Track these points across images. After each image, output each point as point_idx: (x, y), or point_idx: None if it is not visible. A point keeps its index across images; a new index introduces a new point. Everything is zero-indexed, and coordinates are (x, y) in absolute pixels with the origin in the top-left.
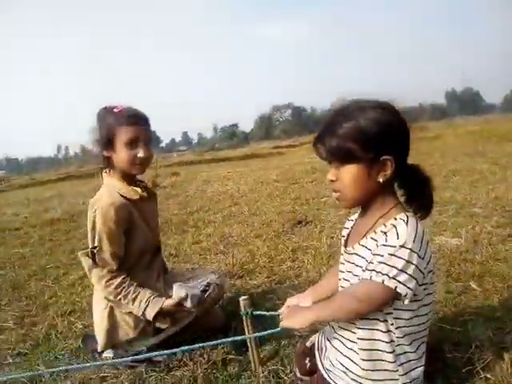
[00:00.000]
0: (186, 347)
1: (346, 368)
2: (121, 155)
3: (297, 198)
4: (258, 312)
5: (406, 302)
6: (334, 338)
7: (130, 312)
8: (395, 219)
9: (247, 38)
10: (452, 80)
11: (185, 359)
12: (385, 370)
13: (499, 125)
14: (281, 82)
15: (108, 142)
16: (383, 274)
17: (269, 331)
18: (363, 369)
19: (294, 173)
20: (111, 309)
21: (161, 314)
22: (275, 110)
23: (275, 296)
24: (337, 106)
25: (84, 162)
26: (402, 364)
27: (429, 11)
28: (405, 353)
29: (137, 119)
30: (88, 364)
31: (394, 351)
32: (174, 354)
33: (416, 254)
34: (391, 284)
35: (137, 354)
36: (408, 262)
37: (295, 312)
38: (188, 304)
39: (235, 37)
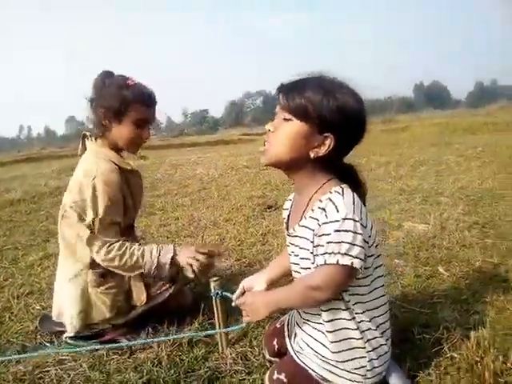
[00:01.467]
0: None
1: (315, 351)
2: (125, 132)
3: (267, 184)
4: (228, 294)
5: (360, 275)
6: (302, 321)
7: (108, 291)
8: (330, 192)
9: (227, 25)
10: (419, 74)
11: (149, 341)
12: (353, 348)
13: (464, 118)
14: (255, 70)
15: (116, 114)
16: (336, 254)
17: (234, 327)
18: (332, 351)
19: None
20: (85, 290)
21: (173, 263)
22: (247, 96)
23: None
24: (316, 74)
25: (47, 143)
26: (369, 340)
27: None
28: (369, 329)
29: (152, 101)
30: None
31: (358, 328)
32: (143, 326)
33: (359, 224)
34: (346, 261)
35: (99, 334)
36: (355, 233)
37: (256, 303)
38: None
39: (214, 23)
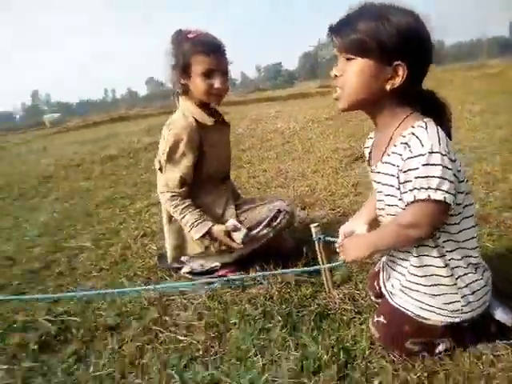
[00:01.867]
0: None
1: (407, 288)
2: (196, 84)
3: (352, 136)
4: (330, 238)
5: (451, 211)
6: (392, 261)
7: None
8: (413, 127)
9: None
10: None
11: (258, 278)
12: (443, 284)
13: None
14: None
15: (184, 70)
16: (426, 189)
17: (337, 263)
18: (422, 289)
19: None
20: (179, 225)
21: (210, 238)
22: (321, 47)
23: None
24: (363, 4)
25: (132, 104)
26: (460, 277)
27: None
28: (459, 267)
29: (214, 48)
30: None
31: (446, 265)
32: (251, 264)
33: (447, 157)
34: (439, 196)
35: (211, 271)
36: (444, 166)
37: (352, 244)
38: (238, 236)
39: None
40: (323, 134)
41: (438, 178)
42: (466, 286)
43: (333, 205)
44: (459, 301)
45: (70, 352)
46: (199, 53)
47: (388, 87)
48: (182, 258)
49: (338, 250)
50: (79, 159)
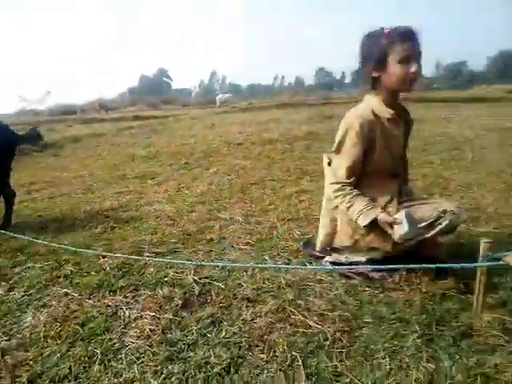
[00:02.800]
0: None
1: None
2: (393, 72)
3: None
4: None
5: None
6: None
7: (350, 221)
8: None
9: None
10: None
11: (401, 283)
12: None
13: None
14: None
15: (379, 62)
16: None
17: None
18: None
19: None
20: (334, 215)
21: (374, 226)
22: None
23: (506, 248)
24: None
25: (295, 92)
26: None
27: None
28: None
29: (409, 35)
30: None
31: None
32: (393, 270)
33: None
34: None
35: (354, 264)
36: None
37: None
38: (397, 232)
39: None
40: (502, 144)
41: None
42: None
43: (499, 223)
44: None
45: (207, 314)
46: (395, 41)
47: None
48: (328, 248)
49: None
50: (242, 139)
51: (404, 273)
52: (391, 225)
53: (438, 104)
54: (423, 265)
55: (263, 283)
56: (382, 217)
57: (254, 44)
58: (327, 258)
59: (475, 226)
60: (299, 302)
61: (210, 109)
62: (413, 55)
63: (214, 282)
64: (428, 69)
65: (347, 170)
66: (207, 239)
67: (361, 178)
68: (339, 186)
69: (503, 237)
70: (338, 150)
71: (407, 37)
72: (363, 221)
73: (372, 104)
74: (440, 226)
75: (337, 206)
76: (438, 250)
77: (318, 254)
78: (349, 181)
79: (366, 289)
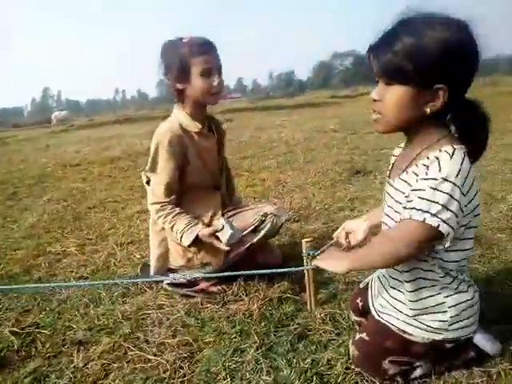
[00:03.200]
0: (245, 272)
1: (395, 307)
2: (196, 85)
3: (355, 148)
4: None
5: (447, 244)
6: (384, 281)
7: None
8: (440, 151)
9: None
10: None
11: (240, 294)
12: (433, 305)
13: None
14: (344, 29)
15: (182, 74)
16: (424, 211)
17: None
18: (411, 307)
19: (353, 123)
20: (163, 236)
21: (200, 243)
22: (335, 57)
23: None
24: (403, 15)
25: (141, 105)
26: (450, 296)
27: None
28: (448, 287)
29: (210, 47)
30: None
31: (440, 282)
32: (234, 279)
33: (459, 189)
34: (433, 222)
35: (193, 283)
36: (451, 196)
37: (334, 255)
38: (223, 237)
39: None
40: (327, 145)
41: (441, 205)
42: (455, 306)
43: (327, 218)
44: (446, 320)
45: (29, 370)
46: (196, 53)
47: (428, 110)
48: (163, 270)
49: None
50: (79, 159)
51: (241, 282)
52: (215, 236)
53: (273, 111)
54: (243, 272)
55: (97, 320)
56: (203, 232)
57: (92, 56)
58: (166, 281)
59: (307, 224)
60: (137, 334)
61: (45, 128)
62: (214, 68)
63: (40, 330)
64: (263, 78)
65: (165, 188)
66: (34, 279)
67: (181, 194)
68: (159, 205)
69: (329, 231)
70: (152, 168)
71: (207, 49)
72: (186, 241)
73: (179, 118)
74: (263, 231)
75: (163, 227)
76: (272, 254)
77: (157, 277)
78: (168, 199)
79: (208, 305)
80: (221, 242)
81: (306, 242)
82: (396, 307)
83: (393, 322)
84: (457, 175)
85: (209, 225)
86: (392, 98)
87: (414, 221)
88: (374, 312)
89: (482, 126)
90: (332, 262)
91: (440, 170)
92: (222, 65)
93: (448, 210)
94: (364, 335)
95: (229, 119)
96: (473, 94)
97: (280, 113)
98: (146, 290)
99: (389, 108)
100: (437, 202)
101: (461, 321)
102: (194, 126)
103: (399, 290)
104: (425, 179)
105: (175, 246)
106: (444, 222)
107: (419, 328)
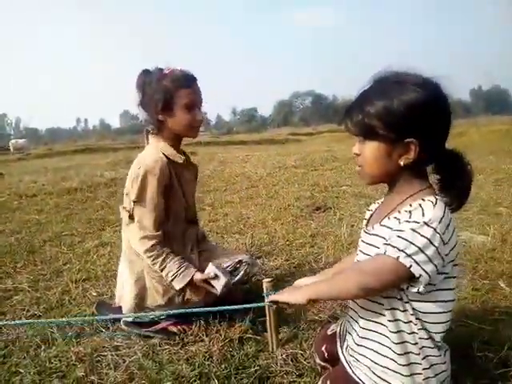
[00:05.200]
0: (206, 308)
1: (372, 361)
2: (179, 119)
3: (315, 185)
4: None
5: (421, 289)
6: (360, 331)
7: (160, 278)
8: (423, 200)
9: (271, 25)
10: (477, 78)
11: (200, 334)
12: (412, 363)
13: None
14: (304, 70)
15: (165, 106)
16: (400, 250)
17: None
18: (397, 363)
19: (313, 160)
20: (141, 274)
21: (190, 285)
22: (295, 96)
23: (294, 279)
24: (376, 76)
25: (102, 136)
26: (426, 357)
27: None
28: (427, 347)
29: (193, 81)
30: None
31: (416, 343)
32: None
33: (439, 236)
34: (406, 262)
35: (153, 322)
36: (430, 241)
37: (290, 289)
38: (218, 285)
39: (257, 23)
40: (288, 180)
41: (418, 248)
42: (430, 367)
43: (289, 254)
44: (421, 383)
45: None
46: (181, 87)
47: (402, 163)
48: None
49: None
50: (36, 189)
51: (202, 322)
52: (207, 282)
53: (236, 146)
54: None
55: (49, 363)
56: (197, 278)
57: (53, 83)
58: (124, 319)
59: (269, 260)
60: (92, 378)
61: (1, 156)
62: (198, 101)
63: None
64: (226, 115)
65: (154, 220)
66: None
67: (165, 225)
68: (150, 245)
69: (291, 268)
70: (140, 199)
71: (191, 82)
72: (177, 285)
73: (162, 148)
74: (238, 276)
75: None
76: (234, 294)
77: (115, 316)
78: (157, 234)
79: (166, 347)
80: (213, 287)
81: (267, 282)
82: (373, 359)
83: (360, 377)
84: (439, 222)
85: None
86: (367, 152)
87: (388, 257)
88: (345, 364)
89: (463, 176)
90: (290, 295)
91: (423, 215)
92: (202, 99)
93: (423, 253)
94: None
95: (193, 152)
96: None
97: (243, 148)
98: (101, 330)
99: (366, 161)
100: (414, 244)
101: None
102: (178, 158)
103: (381, 344)
104: (407, 221)
105: (155, 285)
106: (417, 263)
107: None
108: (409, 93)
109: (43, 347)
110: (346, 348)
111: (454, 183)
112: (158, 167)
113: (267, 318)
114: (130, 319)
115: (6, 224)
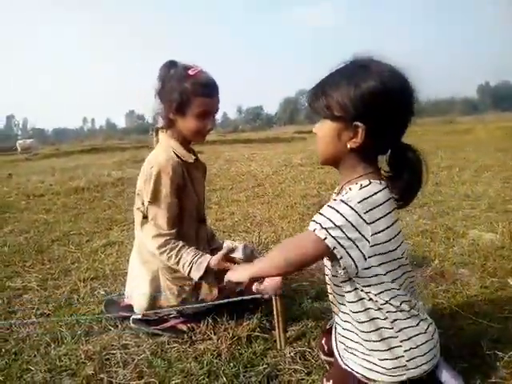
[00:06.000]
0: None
1: (353, 348)
2: (190, 124)
3: (322, 183)
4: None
5: (354, 269)
6: (339, 320)
7: (176, 279)
8: (356, 184)
9: (273, 24)
10: (485, 73)
11: (208, 332)
12: (386, 338)
13: None
14: (308, 68)
15: (179, 108)
16: (317, 223)
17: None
18: (365, 345)
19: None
20: (156, 273)
21: (209, 272)
22: (301, 94)
23: (302, 277)
24: (350, 59)
25: (109, 135)
26: (401, 330)
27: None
28: (397, 320)
29: (213, 90)
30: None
31: (386, 318)
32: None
33: (357, 215)
34: (321, 234)
35: (162, 320)
36: (342, 215)
37: (239, 267)
38: (239, 254)
39: (261, 23)
40: (295, 179)
41: (332, 222)
42: (409, 339)
43: None
44: (403, 355)
45: None
46: (198, 94)
47: (349, 146)
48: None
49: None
50: (43, 189)
51: (210, 320)
52: (226, 258)
53: (242, 145)
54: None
55: (59, 361)
56: (214, 259)
57: (56, 83)
58: (133, 316)
59: None
60: (101, 376)
61: (9, 156)
62: (212, 111)
63: None
64: (231, 113)
65: (168, 219)
66: None
67: (176, 226)
68: (162, 241)
69: None
70: (154, 199)
71: (210, 91)
72: (196, 274)
73: (173, 147)
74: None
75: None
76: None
77: (123, 314)
78: (172, 231)
79: (175, 345)
80: (233, 263)
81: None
82: (356, 351)
83: (356, 369)
84: (359, 201)
85: None
86: (321, 131)
87: (307, 230)
88: (337, 356)
89: (412, 170)
90: (236, 273)
91: (343, 195)
92: (219, 107)
93: (339, 228)
94: (331, 383)
95: (199, 151)
96: (432, 132)
97: (249, 146)
98: (110, 329)
99: (319, 139)
100: (329, 219)
101: (420, 355)
102: (189, 157)
103: (350, 330)
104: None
105: (170, 285)
106: (332, 236)
107: (379, 372)
108: (368, 79)
109: (53, 345)
110: (336, 340)
111: (401, 175)
112: (171, 166)
113: (275, 316)
114: (138, 317)
115: (14, 224)
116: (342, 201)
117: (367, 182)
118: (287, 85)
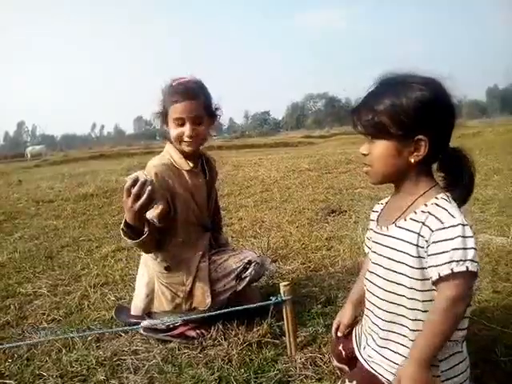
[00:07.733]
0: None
1: (391, 361)
2: (171, 133)
3: (330, 188)
4: None
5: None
6: (379, 334)
7: (169, 285)
8: (436, 198)
9: (284, 28)
10: (494, 75)
11: (219, 338)
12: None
13: None
14: (317, 73)
15: (163, 118)
16: (464, 261)
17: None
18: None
19: (327, 162)
20: (152, 278)
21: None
22: (308, 98)
23: (311, 283)
24: (382, 78)
25: (117, 142)
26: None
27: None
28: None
29: (183, 96)
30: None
31: None
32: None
33: (470, 229)
34: (474, 268)
35: (171, 328)
36: (473, 238)
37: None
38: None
39: (271, 26)
40: (302, 184)
41: (473, 249)
42: (446, 359)
43: (305, 258)
44: (438, 376)
45: None
46: (173, 101)
47: (412, 160)
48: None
49: None
50: (53, 195)
51: (220, 326)
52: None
53: (249, 150)
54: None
55: (70, 367)
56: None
57: (67, 91)
58: (142, 324)
59: (285, 264)
60: (112, 382)
61: (18, 163)
62: (187, 118)
63: (5, 380)
64: (238, 118)
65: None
66: (2, 323)
67: (173, 234)
68: None
69: (307, 271)
70: None
71: (184, 99)
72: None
73: (171, 154)
74: (247, 278)
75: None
76: (253, 297)
77: (133, 320)
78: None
79: (185, 351)
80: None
81: (284, 285)
82: (388, 359)
83: (384, 375)
84: (464, 217)
85: (197, 269)
86: (377, 151)
87: (459, 273)
88: (362, 361)
89: (467, 172)
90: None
91: (454, 217)
92: (200, 114)
93: (475, 250)
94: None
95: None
96: None
97: (256, 151)
98: (121, 335)
99: (376, 161)
100: (471, 248)
101: (455, 376)
102: (185, 165)
103: (402, 344)
104: (444, 228)
105: (163, 290)
106: (477, 263)
107: None
108: (415, 91)
109: (64, 351)
110: (364, 348)
111: (458, 180)
112: (154, 171)
113: (285, 321)
114: (148, 325)
115: (24, 230)
116: (462, 224)
117: (446, 196)
118: (294, 90)
